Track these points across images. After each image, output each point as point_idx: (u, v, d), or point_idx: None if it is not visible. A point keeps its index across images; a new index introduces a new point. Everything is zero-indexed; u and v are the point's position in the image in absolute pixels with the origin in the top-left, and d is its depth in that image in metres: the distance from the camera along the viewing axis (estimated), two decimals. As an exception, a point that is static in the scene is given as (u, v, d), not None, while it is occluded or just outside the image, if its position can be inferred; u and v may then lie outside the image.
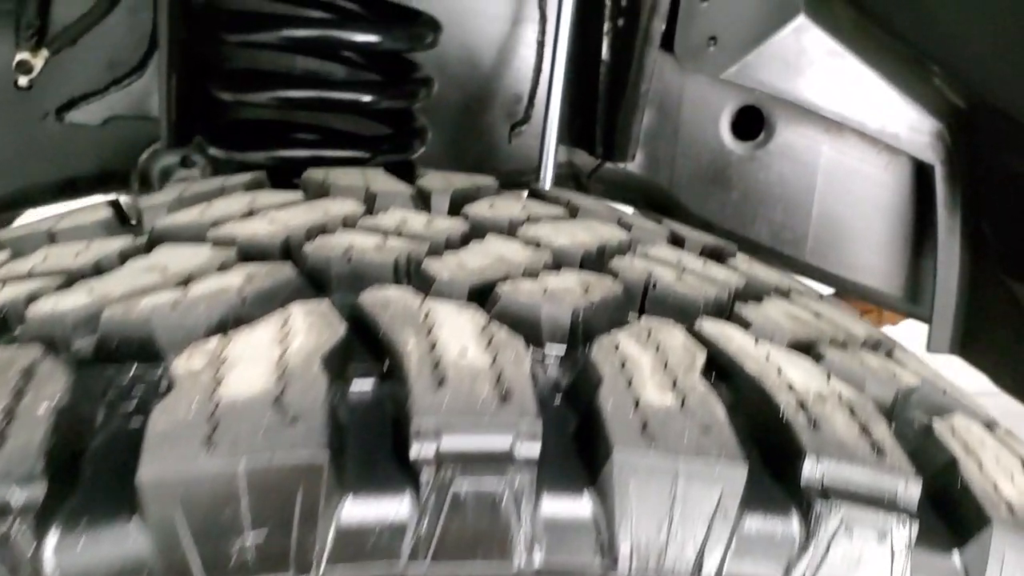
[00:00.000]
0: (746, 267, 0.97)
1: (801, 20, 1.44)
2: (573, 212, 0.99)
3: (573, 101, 1.57)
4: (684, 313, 0.75)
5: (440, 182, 1.00)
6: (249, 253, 0.75)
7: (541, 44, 1.60)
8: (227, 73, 1.40)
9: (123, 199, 1.02)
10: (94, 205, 0.96)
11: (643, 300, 0.77)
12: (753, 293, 0.86)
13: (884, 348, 0.86)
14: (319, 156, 1.35)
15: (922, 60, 1.44)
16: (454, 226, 0.85)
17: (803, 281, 1.14)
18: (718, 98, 1.59)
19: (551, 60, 1.49)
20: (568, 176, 1.69)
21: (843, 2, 1.47)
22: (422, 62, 1.44)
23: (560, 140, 1.58)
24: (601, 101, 1.54)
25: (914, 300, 1.63)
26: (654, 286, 0.77)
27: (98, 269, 0.76)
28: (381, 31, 1.31)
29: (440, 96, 1.48)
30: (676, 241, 1.00)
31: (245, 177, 1.01)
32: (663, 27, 1.47)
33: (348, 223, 0.83)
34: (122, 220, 0.94)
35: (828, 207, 1.61)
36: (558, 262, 0.79)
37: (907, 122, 1.50)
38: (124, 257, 0.78)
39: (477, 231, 0.84)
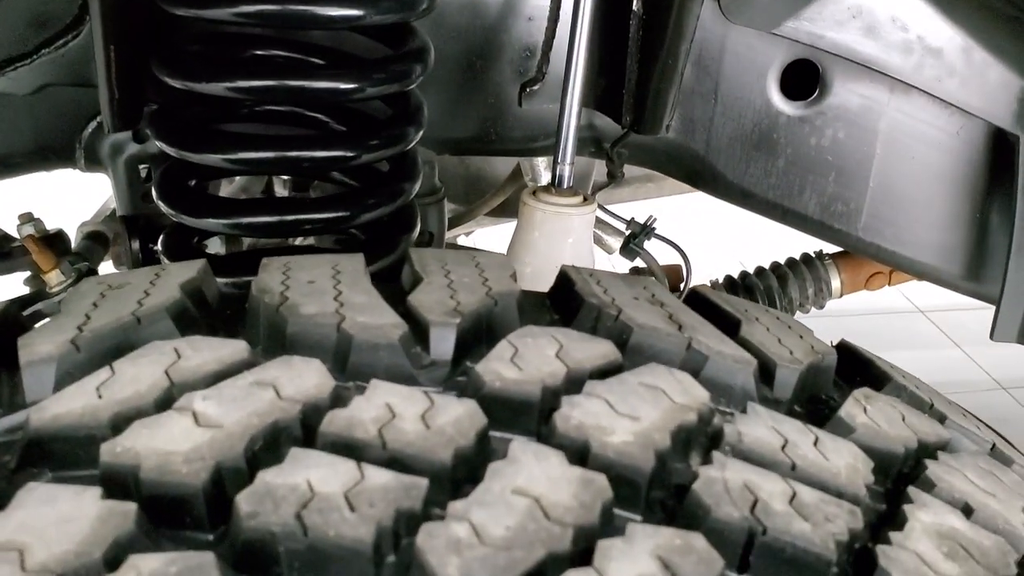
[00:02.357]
0: None
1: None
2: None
3: (597, 58, 1.33)
4: None
5: (438, 296, 0.70)
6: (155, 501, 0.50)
7: (559, -13, 1.34)
8: (173, 54, 1.11)
9: None
10: None
11: None
12: None
13: None
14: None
15: (1019, 13, 1.21)
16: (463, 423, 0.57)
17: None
18: (766, 51, 1.36)
19: (574, 6, 1.25)
20: (587, 142, 1.46)
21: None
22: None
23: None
24: (631, 60, 1.30)
25: (975, 280, 1.45)
26: None
27: None
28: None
29: (437, 51, 1.24)
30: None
31: (173, 293, 0.69)
32: (710, -27, 1.22)
33: (307, 423, 0.56)
34: None
35: (887, 177, 1.41)
36: None
37: (989, 84, 1.29)
38: None
39: None
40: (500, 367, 0.59)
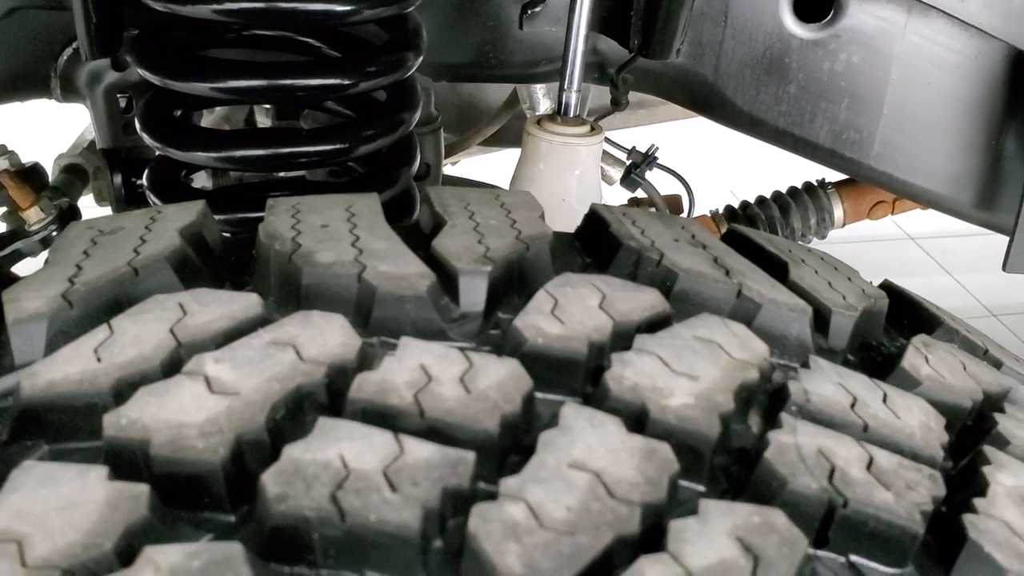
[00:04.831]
0: None
1: None
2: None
3: (604, -22, 1.26)
4: None
5: (464, 241, 0.64)
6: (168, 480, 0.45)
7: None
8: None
9: None
10: None
11: None
12: None
13: None
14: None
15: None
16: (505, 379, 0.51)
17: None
18: (779, -30, 1.29)
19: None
20: (591, 68, 1.39)
21: None
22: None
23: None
24: (639, -20, 1.23)
25: (989, 209, 1.41)
26: None
27: None
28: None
29: (433, -31, 1.16)
30: None
31: (172, 239, 0.63)
32: None
33: (333, 388, 0.50)
34: None
35: (901, 103, 1.35)
36: None
37: (1014, 4, 1.23)
38: None
39: None
40: (540, 321, 0.54)
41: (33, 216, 1.30)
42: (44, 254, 1.38)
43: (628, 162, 1.59)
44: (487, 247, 0.60)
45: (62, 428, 0.48)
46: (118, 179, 1.33)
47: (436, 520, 0.42)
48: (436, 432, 0.46)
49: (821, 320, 0.64)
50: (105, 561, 0.39)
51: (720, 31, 1.34)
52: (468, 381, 0.49)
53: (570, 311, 0.56)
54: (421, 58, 1.09)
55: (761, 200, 1.85)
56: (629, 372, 0.51)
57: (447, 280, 0.58)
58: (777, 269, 0.69)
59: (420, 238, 0.64)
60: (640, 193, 1.67)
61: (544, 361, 0.53)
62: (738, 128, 1.43)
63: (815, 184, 1.84)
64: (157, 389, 0.47)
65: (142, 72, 1.04)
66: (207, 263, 0.63)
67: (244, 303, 0.54)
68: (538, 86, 1.63)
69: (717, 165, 3.27)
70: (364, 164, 1.17)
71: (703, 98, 1.41)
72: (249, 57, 1.14)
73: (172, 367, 0.49)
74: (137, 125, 1.10)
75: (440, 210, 0.67)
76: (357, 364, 0.50)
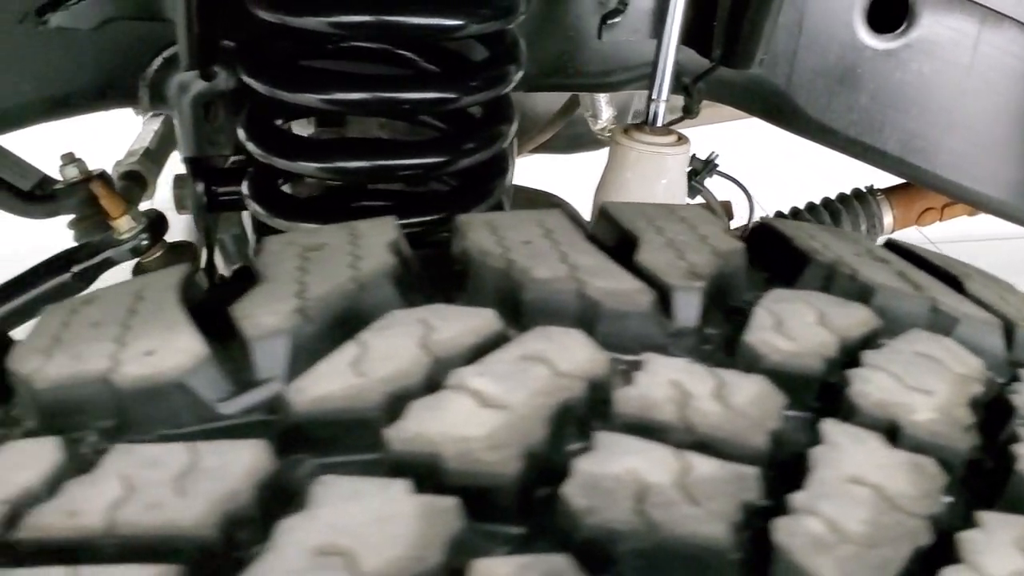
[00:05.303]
0: None
1: None
2: None
3: (686, -11, 1.28)
4: None
5: (666, 257, 0.64)
6: (462, 493, 0.45)
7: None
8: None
9: None
10: None
11: None
12: None
13: None
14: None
15: None
16: None
17: None
18: (854, -19, 1.31)
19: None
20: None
21: None
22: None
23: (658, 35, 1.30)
24: (725, -10, 1.25)
25: (1053, 216, 1.44)
26: None
27: None
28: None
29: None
30: None
31: (384, 255, 0.63)
32: None
33: (593, 403, 0.51)
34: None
35: (969, 112, 1.38)
36: None
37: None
38: None
39: None
40: (771, 338, 0.56)
41: (124, 225, 1.31)
42: (130, 264, 1.39)
43: (689, 168, 1.61)
44: (690, 262, 0.61)
45: (329, 442, 0.49)
46: (200, 187, 1.34)
47: (736, 534, 0.43)
48: (704, 446, 0.47)
49: (1008, 334, 0.64)
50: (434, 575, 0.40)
51: (794, 41, 1.36)
52: (723, 397, 0.50)
53: (792, 327, 0.57)
54: (521, 72, 1.11)
55: (811, 206, 1.87)
56: (871, 388, 0.53)
57: (660, 296, 0.59)
58: (949, 282, 0.71)
59: (621, 254, 0.65)
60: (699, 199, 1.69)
61: (779, 377, 0.54)
62: (808, 136, 1.45)
63: (864, 190, 1.87)
64: (430, 403, 0.48)
65: (249, 81, 1.05)
66: (412, 278, 0.64)
67: (483, 318, 0.55)
68: (601, 95, 1.65)
69: (752, 170, 3.29)
70: (460, 177, 1.18)
71: (775, 107, 1.42)
72: (344, 68, 1.16)
73: (433, 382, 0.51)
74: (240, 135, 1.11)
75: (627, 225, 0.69)
76: (612, 379, 0.52)
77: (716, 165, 1.62)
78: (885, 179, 1.67)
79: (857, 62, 1.36)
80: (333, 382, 0.50)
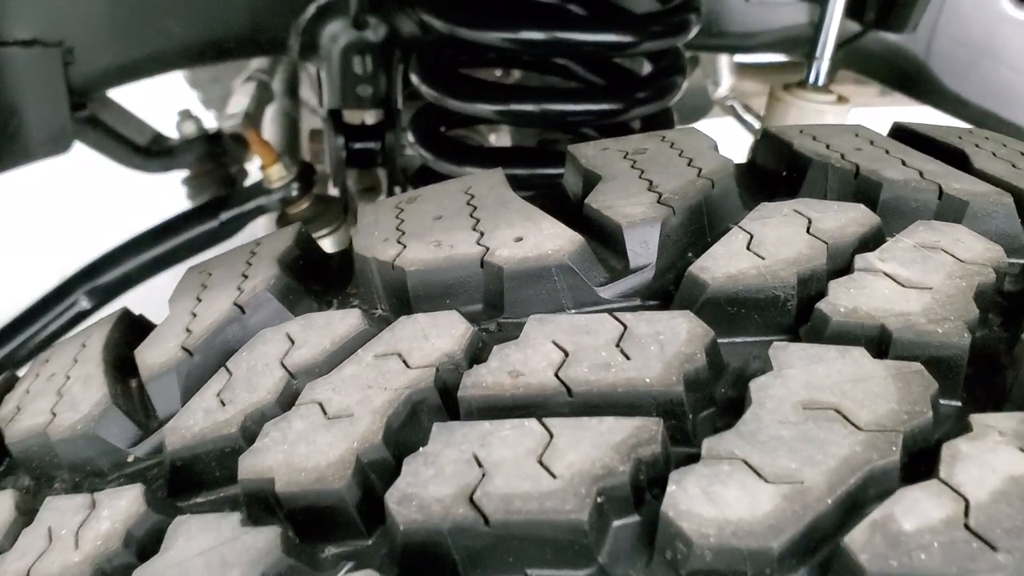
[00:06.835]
0: None
1: None
2: None
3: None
4: None
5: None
6: None
7: None
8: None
9: None
10: None
11: None
12: None
13: None
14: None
15: None
16: None
17: None
18: (1002, -49, 1.31)
19: None
20: (801, 42, 1.40)
21: None
22: None
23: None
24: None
25: None
26: None
27: None
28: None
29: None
30: None
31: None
32: None
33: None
34: None
35: (1108, 86, 1.38)
36: None
37: None
38: None
39: None
40: (722, 263, 0.52)
41: (275, 173, 1.29)
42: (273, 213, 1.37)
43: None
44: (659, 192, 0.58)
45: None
46: (340, 141, 1.32)
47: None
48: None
49: (1020, 205, 0.58)
50: None
51: (936, 11, 1.36)
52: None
53: (770, 243, 0.53)
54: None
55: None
56: (852, 296, 0.48)
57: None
58: (954, 159, 0.65)
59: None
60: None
61: (733, 303, 0.50)
62: (942, 108, 1.44)
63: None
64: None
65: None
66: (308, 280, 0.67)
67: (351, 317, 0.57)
68: (723, 60, 1.64)
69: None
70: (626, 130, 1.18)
71: (909, 77, 1.42)
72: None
73: (292, 399, 0.52)
74: (413, 78, 1.10)
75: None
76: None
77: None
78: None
79: (999, 34, 1.36)
80: None
